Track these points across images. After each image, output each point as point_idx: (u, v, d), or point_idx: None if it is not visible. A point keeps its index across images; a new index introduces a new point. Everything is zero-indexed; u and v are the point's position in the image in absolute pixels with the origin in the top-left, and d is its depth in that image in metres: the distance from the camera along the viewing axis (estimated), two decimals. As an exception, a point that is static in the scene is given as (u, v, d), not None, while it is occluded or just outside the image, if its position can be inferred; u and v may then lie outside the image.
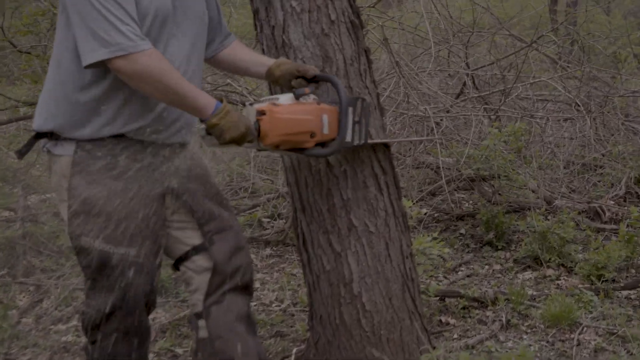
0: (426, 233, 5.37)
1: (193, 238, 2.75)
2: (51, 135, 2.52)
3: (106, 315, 2.58)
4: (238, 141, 2.51)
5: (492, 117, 6.58)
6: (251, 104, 2.62)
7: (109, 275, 2.53)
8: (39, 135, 2.55)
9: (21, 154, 2.62)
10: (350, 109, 2.73)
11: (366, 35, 5.36)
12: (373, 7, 5.88)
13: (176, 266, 2.84)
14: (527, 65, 7.61)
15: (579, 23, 13.07)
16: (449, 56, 7.21)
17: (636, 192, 6.15)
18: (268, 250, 5.41)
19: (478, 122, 6.09)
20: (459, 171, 5.53)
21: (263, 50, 3.15)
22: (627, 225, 5.05)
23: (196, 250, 2.75)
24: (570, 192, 6.20)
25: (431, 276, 4.58)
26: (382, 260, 3.13)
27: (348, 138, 2.74)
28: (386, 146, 3.15)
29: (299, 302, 4.24)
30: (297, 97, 2.65)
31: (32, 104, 5.17)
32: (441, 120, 6.14)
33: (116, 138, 2.51)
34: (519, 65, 6.87)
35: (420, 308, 3.28)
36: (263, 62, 2.93)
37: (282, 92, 2.84)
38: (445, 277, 4.70)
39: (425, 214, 6.02)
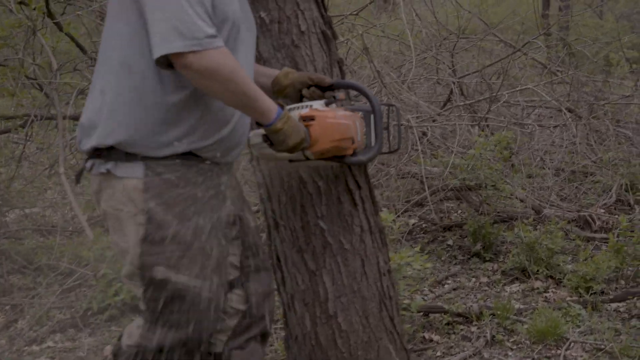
0: (412, 245, 5.28)
1: (231, 272, 2.57)
2: (109, 153, 2.28)
3: (166, 352, 2.39)
4: (294, 148, 2.40)
5: (480, 125, 6.48)
6: (290, 110, 2.49)
7: (179, 309, 2.35)
8: (94, 153, 2.30)
9: (79, 179, 2.51)
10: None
11: (348, 44, 5.28)
12: (356, 14, 5.77)
13: None
14: (518, 71, 7.54)
15: (570, 27, 13.04)
16: (436, 63, 7.12)
17: (627, 200, 6.04)
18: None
19: (466, 130, 6.00)
20: (445, 181, 5.43)
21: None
22: (617, 235, 4.95)
23: (231, 285, 2.57)
24: (561, 200, 6.10)
25: (416, 290, 4.48)
26: (358, 278, 3.02)
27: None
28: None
29: (279, 319, 4.13)
30: (327, 105, 2.53)
31: (8, 118, 5.09)
32: (427, 129, 6.04)
33: (186, 158, 2.33)
34: (507, 71, 6.79)
35: (399, 326, 3.17)
36: (267, 73, 2.78)
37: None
38: (431, 291, 4.60)
39: (414, 224, 5.94)
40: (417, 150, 5.86)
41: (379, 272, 3.09)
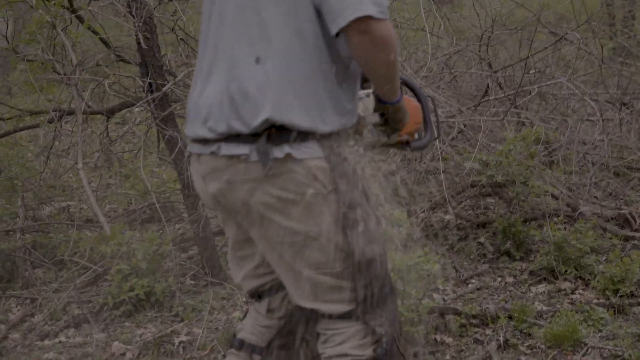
0: (443, 242, 5.15)
1: None
2: (280, 134, 2.07)
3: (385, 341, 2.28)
4: (403, 128, 2.44)
5: (521, 119, 6.27)
6: (367, 96, 2.41)
7: (384, 286, 2.29)
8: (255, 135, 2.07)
9: (266, 162, 2.07)
10: None
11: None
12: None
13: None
14: (572, 62, 7.27)
15: (637, 17, 12.59)
16: (487, 51, 6.90)
17: (674, 198, 5.77)
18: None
19: (501, 125, 5.81)
20: (475, 178, 5.26)
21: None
22: (652, 235, 4.72)
23: None
24: (606, 197, 5.87)
25: (436, 289, 4.34)
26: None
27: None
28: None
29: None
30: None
31: (36, 113, 5.12)
32: (465, 125, 5.86)
33: (338, 134, 2.19)
34: (555, 61, 6.57)
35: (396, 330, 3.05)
36: None
37: None
38: (454, 291, 4.45)
39: (448, 221, 5.80)
40: (454, 146, 5.71)
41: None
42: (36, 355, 3.86)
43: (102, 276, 4.72)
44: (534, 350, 3.57)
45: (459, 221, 5.75)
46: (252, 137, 2.07)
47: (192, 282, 4.79)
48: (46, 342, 4.02)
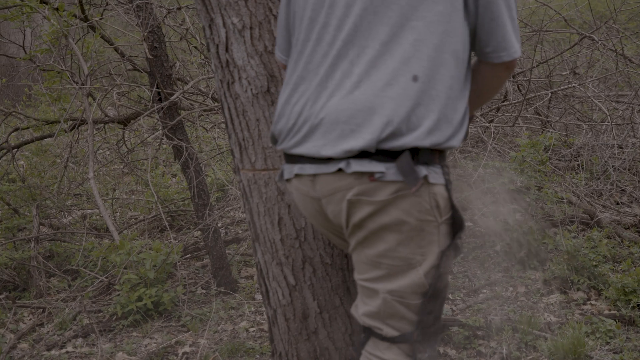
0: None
1: None
2: (421, 155, 1.99)
3: None
4: None
5: (543, 121, 6.17)
6: None
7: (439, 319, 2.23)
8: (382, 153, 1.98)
9: (414, 183, 1.95)
10: None
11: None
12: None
13: None
14: (596, 64, 7.15)
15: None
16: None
17: (698, 203, 5.63)
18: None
19: (519, 130, 5.72)
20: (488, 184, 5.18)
21: (213, 69, 2.97)
22: (668, 244, 4.60)
23: None
24: (631, 202, 5.75)
25: (447, 299, 4.28)
26: (340, 294, 2.89)
27: None
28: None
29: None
30: None
31: (51, 123, 5.17)
32: (487, 129, 5.79)
33: None
34: (588, 63, 6.45)
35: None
36: None
37: None
38: (464, 301, 4.39)
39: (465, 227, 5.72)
40: (469, 152, 5.64)
41: (364, 287, 2.94)
42: (41, 365, 3.89)
43: (113, 286, 4.74)
44: (538, 363, 3.50)
45: (476, 228, 5.68)
46: (385, 154, 1.98)
47: (203, 291, 4.79)
48: (53, 352, 4.05)
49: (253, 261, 3.03)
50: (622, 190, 5.94)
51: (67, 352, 4.04)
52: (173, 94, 4.40)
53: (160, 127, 4.67)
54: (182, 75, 5.06)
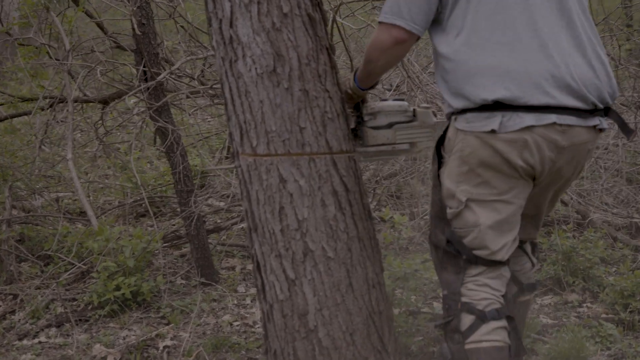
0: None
1: None
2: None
3: None
4: None
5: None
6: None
7: None
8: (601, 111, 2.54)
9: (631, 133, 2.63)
10: None
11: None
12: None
13: None
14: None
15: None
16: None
17: (688, 207, 5.54)
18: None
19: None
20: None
21: (213, 47, 2.77)
22: (665, 247, 4.49)
23: None
24: (618, 204, 5.65)
25: (435, 297, 4.14)
26: (342, 290, 2.72)
27: None
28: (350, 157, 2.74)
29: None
30: None
31: (27, 100, 4.92)
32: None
33: None
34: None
35: (391, 345, 2.85)
36: None
37: None
38: (455, 299, 4.23)
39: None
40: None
41: (367, 284, 2.78)
42: (13, 356, 3.66)
43: (89, 273, 4.52)
44: (538, 368, 3.36)
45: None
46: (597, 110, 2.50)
47: (183, 281, 4.59)
48: (25, 342, 3.82)
49: (249, 252, 2.85)
50: (607, 190, 5.84)
51: (40, 342, 3.82)
52: (160, 74, 4.19)
53: (145, 108, 4.44)
54: (167, 55, 4.84)
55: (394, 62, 2.85)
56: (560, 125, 2.42)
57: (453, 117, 2.59)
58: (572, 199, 5.06)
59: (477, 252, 2.63)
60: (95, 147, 6.73)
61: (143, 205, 5.96)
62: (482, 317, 2.61)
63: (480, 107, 2.46)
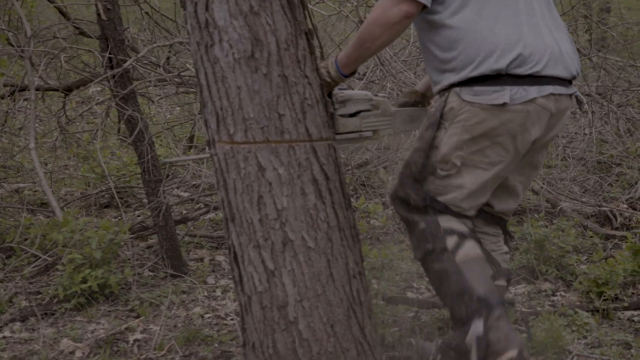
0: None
1: None
2: None
3: None
4: None
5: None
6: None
7: None
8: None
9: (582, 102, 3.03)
10: None
11: (341, 17, 4.84)
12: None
13: None
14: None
15: (612, 9, 12.42)
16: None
17: (654, 195, 5.57)
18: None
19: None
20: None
21: (188, 31, 2.68)
22: (636, 235, 4.50)
23: None
24: (583, 193, 5.66)
25: (409, 287, 4.10)
26: (322, 281, 2.65)
27: None
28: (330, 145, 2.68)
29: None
30: None
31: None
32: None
33: None
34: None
35: (371, 336, 2.79)
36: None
37: None
38: (428, 289, 4.20)
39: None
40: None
41: (348, 274, 2.71)
42: (-23, 352, 3.53)
43: (53, 266, 4.39)
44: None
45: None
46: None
47: (151, 273, 4.49)
48: (-12, 337, 3.70)
49: (226, 244, 2.76)
50: (573, 179, 5.85)
51: (4, 337, 3.69)
52: (126, 61, 4.07)
53: (111, 96, 4.32)
54: (131, 43, 4.72)
55: (392, 41, 2.90)
56: (554, 94, 2.75)
57: (456, 89, 2.77)
58: (542, 187, 5.05)
59: (449, 207, 2.91)
60: (54, 137, 6.57)
61: (106, 196, 5.83)
62: (462, 236, 2.89)
63: (487, 79, 2.70)
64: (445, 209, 2.90)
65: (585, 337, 3.50)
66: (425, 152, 2.87)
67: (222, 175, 2.67)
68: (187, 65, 4.79)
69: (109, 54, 4.06)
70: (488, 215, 3.12)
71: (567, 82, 2.81)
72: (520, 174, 3.04)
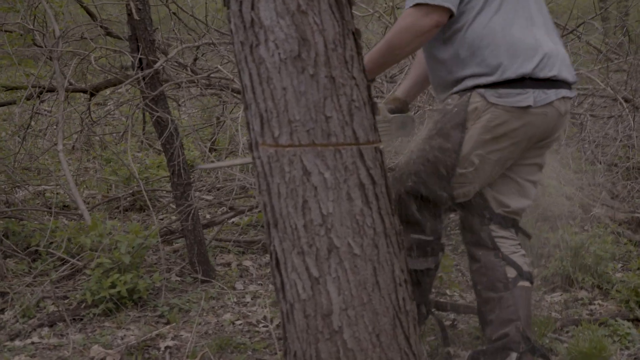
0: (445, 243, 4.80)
1: None
2: None
3: None
4: None
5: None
6: None
7: None
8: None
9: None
10: None
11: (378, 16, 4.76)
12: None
13: None
14: (572, 55, 6.93)
15: (630, 11, 12.31)
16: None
17: (686, 202, 5.47)
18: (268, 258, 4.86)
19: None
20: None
21: (231, 30, 2.60)
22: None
23: None
24: (611, 199, 5.56)
25: (442, 294, 4.01)
26: (368, 289, 2.57)
27: None
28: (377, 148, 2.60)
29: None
30: None
31: (12, 89, 4.70)
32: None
33: None
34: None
35: (416, 347, 2.71)
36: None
37: None
38: (462, 297, 4.12)
39: (450, 219, 5.46)
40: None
41: (394, 282, 2.63)
42: (5, 357, 3.46)
43: (81, 270, 4.33)
44: (558, 369, 3.24)
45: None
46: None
47: (178, 278, 4.41)
48: (17, 342, 3.62)
49: (269, 249, 2.67)
50: (599, 184, 5.76)
51: (32, 342, 3.62)
52: (156, 62, 4.00)
53: (140, 98, 4.25)
54: (160, 44, 4.65)
55: (418, 48, 3.01)
56: (564, 97, 2.92)
57: (480, 90, 2.87)
58: (574, 193, 4.96)
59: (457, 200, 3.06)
60: (73, 139, 6.52)
61: (128, 199, 5.77)
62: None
63: (510, 83, 2.83)
64: (455, 206, 3.13)
65: (627, 348, 3.41)
66: (457, 153, 2.94)
67: (265, 179, 2.59)
68: (219, 66, 4.74)
69: (140, 54, 3.99)
70: (503, 219, 3.14)
71: (570, 85, 2.97)
72: (528, 174, 3.12)
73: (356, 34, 2.59)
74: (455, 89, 2.96)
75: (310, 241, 2.54)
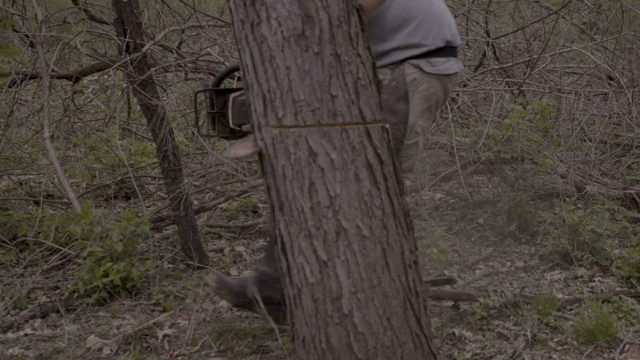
0: (438, 224, 4.77)
1: None
2: None
3: None
4: None
5: (515, 91, 5.90)
6: None
7: None
8: None
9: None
10: None
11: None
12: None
13: None
14: (554, 35, 6.90)
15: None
16: (467, 23, 6.53)
17: (676, 177, 5.46)
18: (262, 242, 4.80)
19: (499, 97, 5.43)
20: (477, 153, 4.87)
21: (230, 8, 2.52)
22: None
23: None
24: (602, 176, 5.54)
25: (441, 275, 3.96)
26: (378, 271, 2.51)
27: None
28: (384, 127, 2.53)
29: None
30: None
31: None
32: (457, 95, 5.48)
33: None
34: (544, 34, 6.19)
35: (427, 328, 2.66)
36: None
37: None
38: (460, 277, 4.07)
39: (440, 199, 5.43)
40: (446, 118, 5.32)
41: (404, 264, 2.57)
42: (-1, 350, 3.37)
43: (71, 260, 4.23)
44: (565, 347, 3.19)
45: (452, 200, 5.39)
46: None
47: (171, 265, 4.33)
48: (9, 334, 3.52)
49: (274, 234, 2.59)
50: (590, 161, 5.74)
51: (26, 334, 3.52)
52: (144, 45, 3.89)
53: (127, 82, 4.14)
54: (145, 27, 4.54)
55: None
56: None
57: (413, 61, 3.00)
58: (568, 171, 4.92)
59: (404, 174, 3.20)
60: (54, 127, 6.39)
61: (114, 187, 5.66)
62: None
63: (438, 51, 3.01)
64: None
65: (632, 324, 3.38)
66: (404, 124, 3.05)
67: (270, 161, 2.52)
68: (209, 49, 4.63)
69: (127, 37, 3.88)
70: None
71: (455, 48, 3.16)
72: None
73: (360, 10, 2.52)
74: (383, 61, 3.04)
75: (317, 224, 2.47)
